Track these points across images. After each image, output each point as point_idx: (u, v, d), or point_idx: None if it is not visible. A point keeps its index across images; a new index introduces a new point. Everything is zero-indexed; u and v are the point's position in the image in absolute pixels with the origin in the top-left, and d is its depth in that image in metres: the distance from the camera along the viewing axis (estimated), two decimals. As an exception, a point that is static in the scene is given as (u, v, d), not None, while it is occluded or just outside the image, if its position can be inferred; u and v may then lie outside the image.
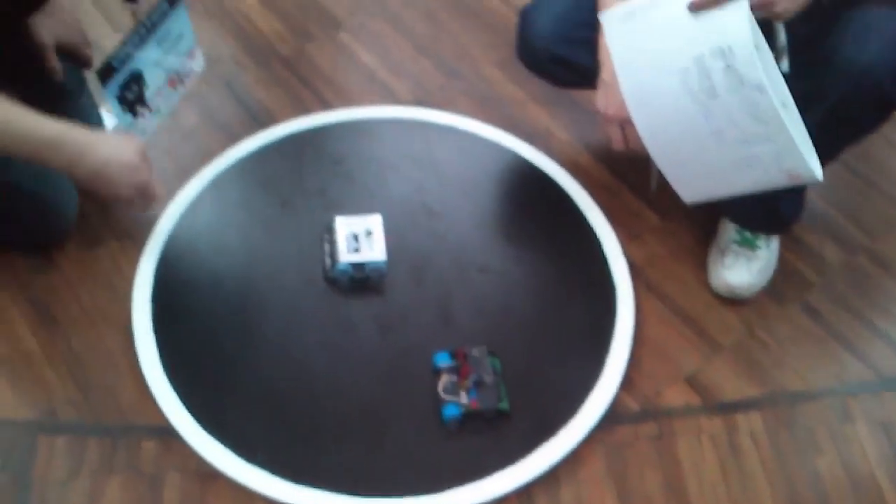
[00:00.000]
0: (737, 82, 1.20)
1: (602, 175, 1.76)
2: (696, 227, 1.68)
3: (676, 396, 1.45)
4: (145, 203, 1.48)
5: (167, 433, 1.38)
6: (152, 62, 1.53)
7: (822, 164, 1.30)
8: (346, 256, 1.52)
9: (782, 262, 1.63)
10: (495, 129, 1.82)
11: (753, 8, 1.18)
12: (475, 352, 1.42)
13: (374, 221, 1.57)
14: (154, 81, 1.55)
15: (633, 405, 1.44)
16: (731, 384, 1.47)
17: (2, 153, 1.35)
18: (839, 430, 1.42)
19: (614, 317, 1.52)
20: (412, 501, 1.29)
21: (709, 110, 1.25)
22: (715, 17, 1.19)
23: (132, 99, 1.51)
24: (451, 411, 1.36)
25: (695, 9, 1.20)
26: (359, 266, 1.53)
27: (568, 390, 1.43)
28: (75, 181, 1.45)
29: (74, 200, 1.58)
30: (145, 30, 1.48)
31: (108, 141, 1.43)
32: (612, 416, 1.42)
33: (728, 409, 1.44)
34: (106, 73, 1.43)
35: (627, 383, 1.45)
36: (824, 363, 1.50)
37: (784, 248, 1.64)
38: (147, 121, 1.57)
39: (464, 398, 1.38)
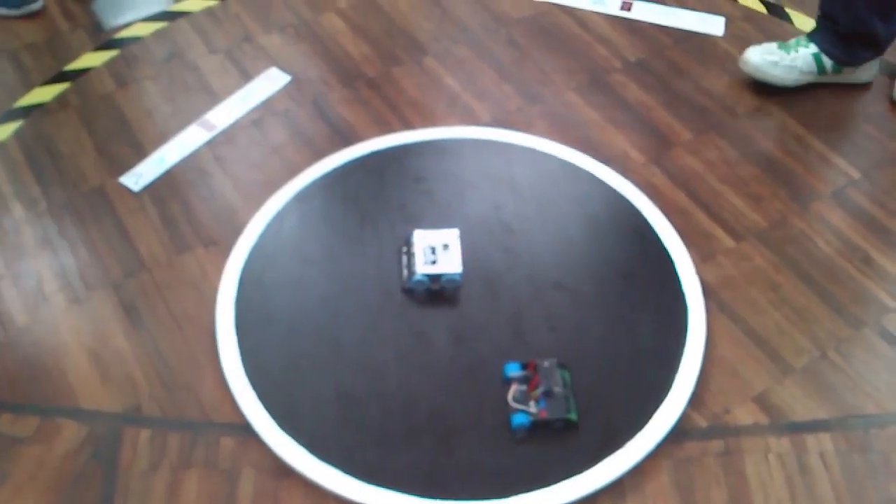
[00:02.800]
0: None
1: (676, 197, 1.77)
2: (769, 250, 1.68)
3: (745, 415, 1.45)
4: None
5: (244, 431, 1.43)
6: None
7: None
8: (422, 268, 1.56)
9: (858, 286, 1.62)
10: (572, 151, 1.85)
11: None
12: (545, 363, 1.44)
13: (452, 235, 1.62)
14: None
15: (701, 422, 1.44)
16: (801, 405, 1.46)
17: None
18: (914, 456, 1.40)
19: (685, 336, 1.53)
20: (479, 505, 1.32)
21: None
22: None
23: None
24: (519, 420, 1.39)
25: None
26: (435, 277, 1.57)
27: (636, 405, 1.44)
28: None
29: None
30: None
31: None
32: (680, 432, 1.42)
33: (798, 429, 1.43)
34: None
35: (696, 400, 1.46)
36: (900, 389, 1.49)
37: (860, 272, 1.64)
38: None
39: (533, 408, 1.40)
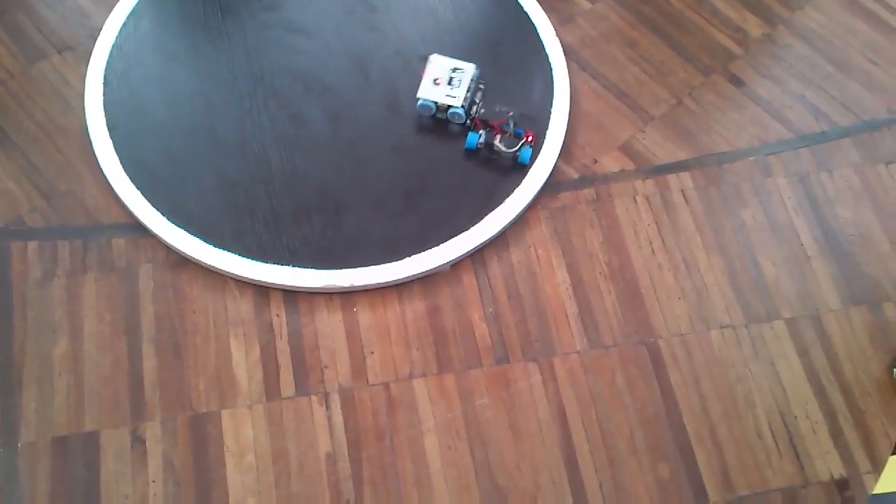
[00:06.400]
0: None
1: (533, -36, 1.80)
2: (624, 9, 1.74)
3: (612, 163, 1.55)
4: None
5: (135, 230, 1.44)
6: None
7: None
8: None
9: (707, 36, 1.71)
10: (426, -75, 1.83)
11: None
12: None
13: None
14: None
15: (572, 173, 1.54)
16: (662, 149, 1.57)
17: None
18: (761, 184, 1.54)
19: (551, 95, 1.60)
20: (376, 269, 1.39)
21: None
22: None
23: None
24: (472, 140, 1.50)
25: None
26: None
27: (510, 164, 1.52)
28: None
29: None
30: None
31: None
32: (554, 184, 1.52)
33: (660, 171, 1.54)
34: None
35: (566, 154, 1.55)
36: (747, 126, 1.61)
37: (707, 23, 1.72)
38: None
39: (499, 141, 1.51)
